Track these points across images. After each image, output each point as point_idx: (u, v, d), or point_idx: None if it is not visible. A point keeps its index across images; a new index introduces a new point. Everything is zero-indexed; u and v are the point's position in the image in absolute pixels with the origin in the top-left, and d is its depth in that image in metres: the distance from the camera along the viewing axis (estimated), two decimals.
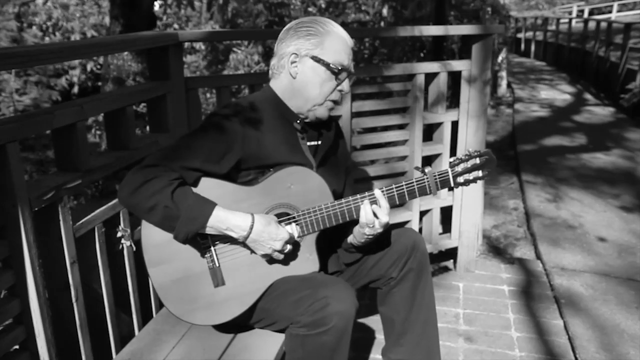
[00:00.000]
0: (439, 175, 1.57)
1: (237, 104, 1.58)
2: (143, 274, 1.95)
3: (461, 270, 3.09)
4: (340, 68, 1.57)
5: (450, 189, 1.61)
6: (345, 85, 1.60)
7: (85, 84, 11.11)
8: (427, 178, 1.56)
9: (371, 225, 1.54)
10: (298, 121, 1.61)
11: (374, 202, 1.55)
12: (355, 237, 1.63)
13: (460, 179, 1.58)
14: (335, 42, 1.56)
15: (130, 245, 1.86)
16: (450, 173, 1.57)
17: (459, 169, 1.57)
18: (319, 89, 1.57)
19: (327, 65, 1.55)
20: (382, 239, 1.70)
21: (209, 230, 1.45)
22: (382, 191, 1.56)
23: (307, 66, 1.56)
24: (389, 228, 1.68)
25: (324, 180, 1.57)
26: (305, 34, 1.55)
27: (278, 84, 1.62)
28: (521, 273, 3.14)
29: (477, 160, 1.57)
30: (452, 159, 1.59)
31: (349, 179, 1.80)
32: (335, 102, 1.63)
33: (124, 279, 1.87)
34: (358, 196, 1.56)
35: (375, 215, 1.54)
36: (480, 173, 1.58)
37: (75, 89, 10.83)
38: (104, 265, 1.74)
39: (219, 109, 1.57)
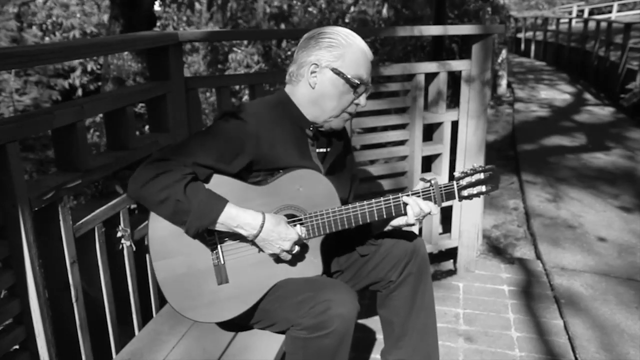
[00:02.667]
0: (444, 187, 1.60)
1: (251, 105, 1.58)
2: (143, 274, 1.96)
3: (461, 270, 3.09)
4: (359, 82, 1.55)
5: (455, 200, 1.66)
6: (362, 99, 1.59)
7: (88, 87, 11.10)
8: (432, 190, 1.59)
9: (423, 216, 1.59)
10: (311, 128, 1.61)
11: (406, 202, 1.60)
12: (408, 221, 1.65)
13: (464, 193, 1.62)
14: (356, 56, 1.54)
15: (130, 245, 1.86)
16: (455, 186, 1.61)
17: (463, 182, 1.61)
18: (337, 101, 1.56)
19: (346, 78, 1.53)
20: (393, 239, 1.74)
21: (219, 227, 1.45)
22: (390, 199, 1.57)
23: (327, 77, 1.55)
24: (393, 231, 1.73)
25: None
26: (327, 44, 1.53)
27: (295, 91, 1.60)
28: (521, 273, 3.14)
29: (482, 176, 1.61)
30: (456, 173, 1.62)
31: (354, 186, 1.81)
32: (351, 114, 1.63)
33: (124, 279, 1.87)
34: (365, 203, 1.57)
35: (421, 209, 1.58)
36: (483, 188, 1.62)
37: (80, 92, 10.81)
38: (104, 265, 1.74)
39: (233, 109, 1.56)
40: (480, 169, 1.61)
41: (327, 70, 1.54)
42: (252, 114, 1.52)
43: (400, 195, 1.59)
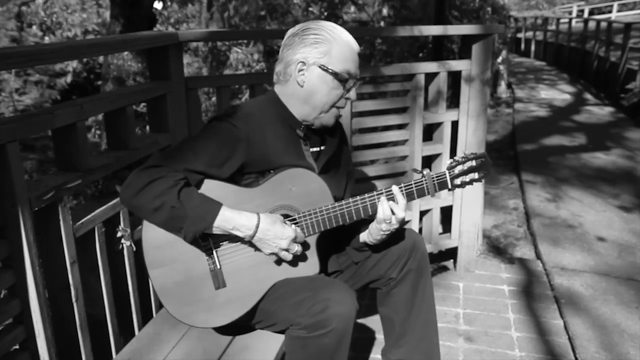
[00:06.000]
0: (436, 177, 1.59)
1: (241, 107, 1.57)
2: (143, 274, 1.95)
3: (461, 270, 3.09)
4: (347, 76, 1.55)
5: (448, 190, 1.64)
6: (352, 93, 1.59)
7: (88, 87, 11.10)
8: (425, 180, 1.58)
9: (388, 221, 1.56)
10: (302, 127, 1.60)
11: (391, 198, 1.57)
12: (372, 234, 1.64)
13: (457, 181, 1.60)
14: (343, 50, 1.53)
15: (130, 245, 1.86)
16: (447, 175, 1.59)
17: (455, 171, 1.60)
18: (327, 97, 1.56)
19: (334, 74, 1.53)
20: (392, 236, 1.71)
21: (215, 230, 1.45)
22: (383, 193, 1.57)
23: (315, 74, 1.54)
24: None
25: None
26: (312, 41, 1.53)
27: (284, 90, 1.60)
28: (521, 273, 3.14)
29: (473, 163, 1.60)
30: (449, 161, 1.61)
31: (350, 184, 1.80)
32: (341, 109, 1.62)
33: (124, 279, 1.87)
34: (358, 198, 1.57)
35: (392, 211, 1.56)
36: (476, 175, 1.61)
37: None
38: (104, 265, 1.74)
39: (224, 113, 1.56)
40: (472, 156, 1.60)
41: (315, 67, 1.53)
42: (242, 117, 1.52)
43: (391, 188, 1.58)
